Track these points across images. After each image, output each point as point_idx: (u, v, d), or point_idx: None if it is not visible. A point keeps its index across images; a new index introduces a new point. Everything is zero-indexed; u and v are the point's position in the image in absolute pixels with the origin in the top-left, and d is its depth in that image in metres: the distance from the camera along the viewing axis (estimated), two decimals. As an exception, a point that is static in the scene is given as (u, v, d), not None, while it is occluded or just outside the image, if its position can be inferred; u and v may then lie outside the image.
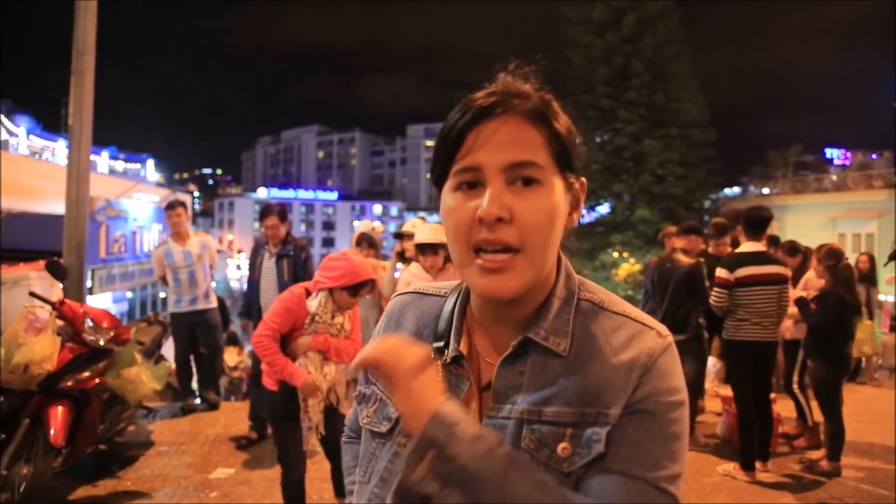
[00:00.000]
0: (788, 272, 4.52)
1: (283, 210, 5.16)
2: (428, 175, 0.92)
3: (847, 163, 43.25)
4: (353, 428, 1.14)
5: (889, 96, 26.01)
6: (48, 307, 3.77)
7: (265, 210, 5.15)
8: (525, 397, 0.83)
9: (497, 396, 0.85)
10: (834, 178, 33.48)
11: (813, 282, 4.91)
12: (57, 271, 4.05)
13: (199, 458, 4.84)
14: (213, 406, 5.99)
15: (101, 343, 3.94)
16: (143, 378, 4.11)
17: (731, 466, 4.57)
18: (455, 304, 0.94)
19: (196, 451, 5.01)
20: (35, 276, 5.84)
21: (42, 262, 4.88)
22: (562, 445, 0.80)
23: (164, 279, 5.91)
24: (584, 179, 0.91)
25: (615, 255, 27.36)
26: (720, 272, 4.52)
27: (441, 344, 0.91)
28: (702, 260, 5.21)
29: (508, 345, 0.87)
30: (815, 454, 4.81)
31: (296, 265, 5.06)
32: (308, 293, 3.36)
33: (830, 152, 45.80)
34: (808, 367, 4.92)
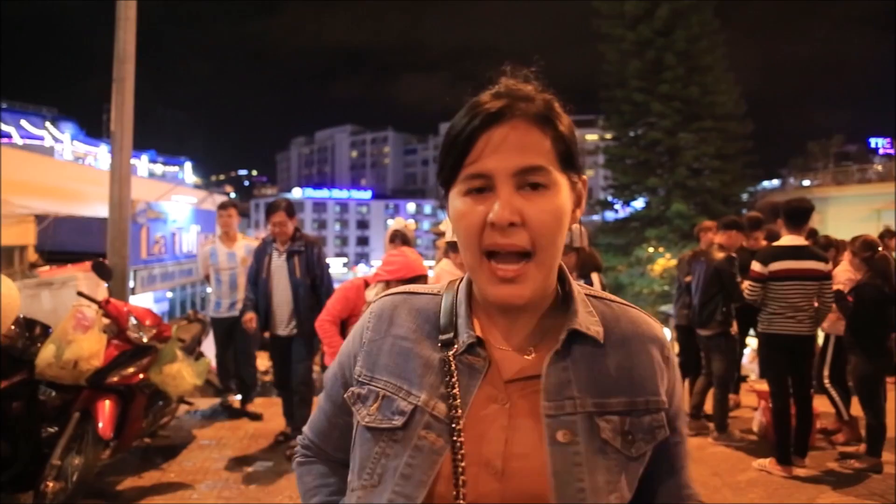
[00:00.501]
0: (828, 267, 4.40)
1: (290, 206, 4.95)
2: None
3: (892, 152, 41.92)
4: (312, 447, 1.09)
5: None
6: (94, 306, 3.94)
7: (272, 207, 4.93)
8: (581, 391, 0.86)
9: (549, 394, 0.85)
10: (879, 168, 32.50)
11: (840, 275, 4.80)
12: (102, 272, 4.22)
13: (238, 451, 4.99)
14: (256, 417, 5.87)
15: (145, 340, 4.09)
16: (184, 374, 4.26)
17: (766, 461, 4.53)
18: (455, 297, 0.95)
19: (236, 445, 5.15)
20: (82, 277, 6.07)
21: (88, 263, 5.07)
22: (627, 432, 0.86)
23: (207, 278, 5.98)
24: (585, 177, 0.92)
25: (650, 250, 27.03)
26: (754, 265, 4.49)
27: (450, 335, 0.90)
28: (734, 255, 5.15)
29: (524, 336, 0.91)
30: (853, 449, 4.73)
31: (308, 261, 4.89)
32: (367, 284, 3.83)
33: (875, 141, 44.46)
34: (850, 362, 4.82)
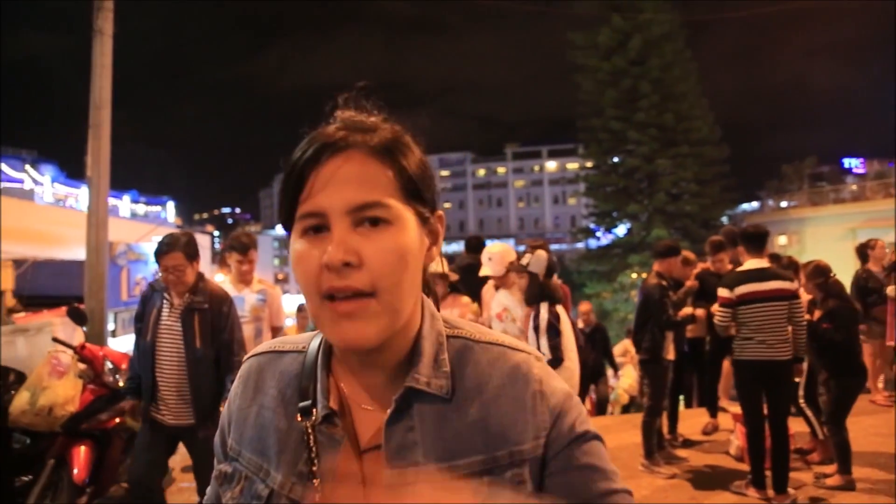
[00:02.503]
0: (794, 286, 4.46)
1: (191, 243, 3.54)
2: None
3: (865, 171, 42.83)
4: None
5: (902, 104, 25.90)
6: (70, 351, 3.95)
7: (165, 244, 3.49)
8: (426, 455, 0.77)
9: (392, 461, 0.77)
10: (853, 188, 33.22)
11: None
12: (77, 317, 4.24)
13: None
14: None
15: (121, 384, 4.10)
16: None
17: (742, 483, 4.58)
18: (317, 356, 0.86)
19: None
20: (58, 322, 6.05)
21: (64, 308, 5.08)
22: (487, 494, 0.75)
23: None
24: (441, 212, 0.86)
25: (633, 276, 27.28)
26: (721, 291, 4.56)
27: (308, 403, 0.82)
28: (665, 283, 5.21)
29: (382, 391, 0.82)
30: (828, 469, 4.80)
31: (213, 324, 3.54)
32: None
33: (848, 162, 45.41)
34: (828, 383, 4.88)
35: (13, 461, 3.64)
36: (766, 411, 4.49)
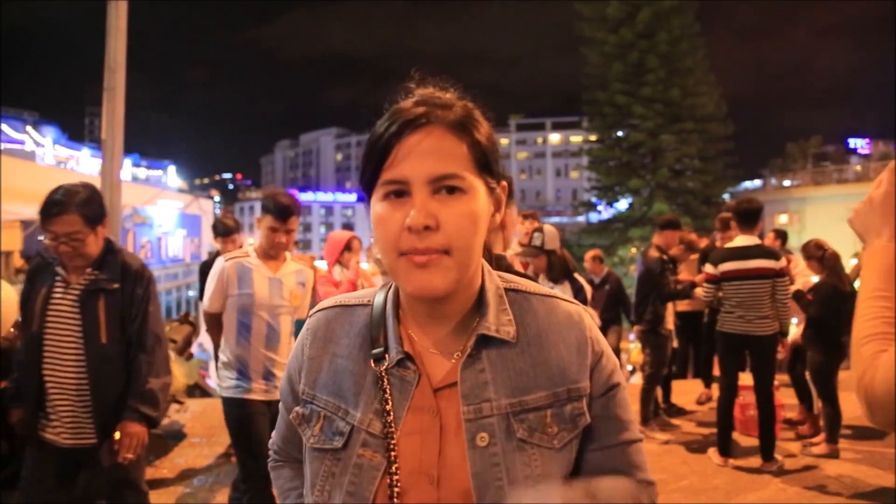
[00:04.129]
0: (779, 265, 4.52)
1: (91, 200, 2.52)
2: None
3: (870, 152, 42.71)
4: (281, 451, 1.12)
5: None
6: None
7: (55, 203, 2.47)
8: (498, 392, 0.89)
9: (468, 399, 0.89)
10: (858, 168, 33.17)
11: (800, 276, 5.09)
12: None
13: (229, 448, 5.15)
14: None
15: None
16: (175, 374, 4.44)
17: (712, 450, 4.78)
18: (384, 307, 0.97)
19: (226, 441, 5.30)
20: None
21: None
22: (548, 426, 0.89)
23: (213, 322, 3.50)
24: (504, 182, 0.95)
25: (633, 250, 27.42)
26: (707, 267, 4.72)
27: (380, 350, 0.92)
28: (665, 257, 5.35)
29: (448, 341, 0.93)
30: (816, 440, 4.99)
31: (123, 309, 2.58)
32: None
33: (854, 142, 45.27)
34: (807, 355, 5.07)
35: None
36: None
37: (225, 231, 5.15)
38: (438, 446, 0.88)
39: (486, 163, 0.90)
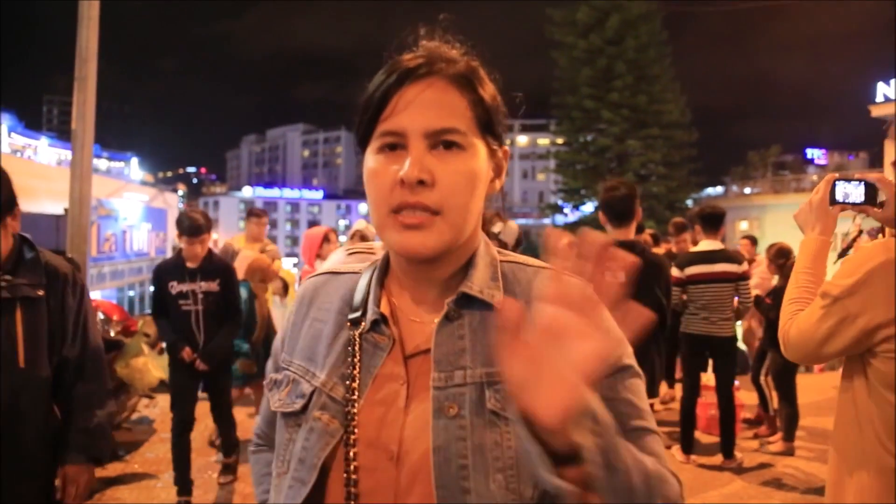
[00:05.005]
0: (742, 269, 4.70)
1: None
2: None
3: (826, 163, 44.10)
4: (263, 435, 1.05)
5: (865, 100, 26.69)
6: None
7: None
8: (475, 359, 0.81)
9: (440, 365, 0.81)
10: (814, 178, 34.21)
11: (757, 278, 5.31)
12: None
13: (200, 443, 5.12)
14: None
15: (112, 334, 4.24)
16: (149, 367, 4.42)
17: (674, 448, 4.93)
18: (372, 274, 0.92)
19: (196, 437, 5.26)
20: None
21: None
22: None
23: None
24: (507, 148, 0.90)
25: (598, 253, 27.73)
26: (673, 271, 4.84)
27: (358, 314, 0.87)
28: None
29: (432, 305, 0.86)
30: (773, 438, 5.20)
31: (51, 322, 2.00)
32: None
33: (811, 152, 46.67)
34: (769, 357, 5.29)
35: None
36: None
37: (192, 230, 3.90)
38: (402, 420, 0.80)
39: (489, 123, 0.84)
